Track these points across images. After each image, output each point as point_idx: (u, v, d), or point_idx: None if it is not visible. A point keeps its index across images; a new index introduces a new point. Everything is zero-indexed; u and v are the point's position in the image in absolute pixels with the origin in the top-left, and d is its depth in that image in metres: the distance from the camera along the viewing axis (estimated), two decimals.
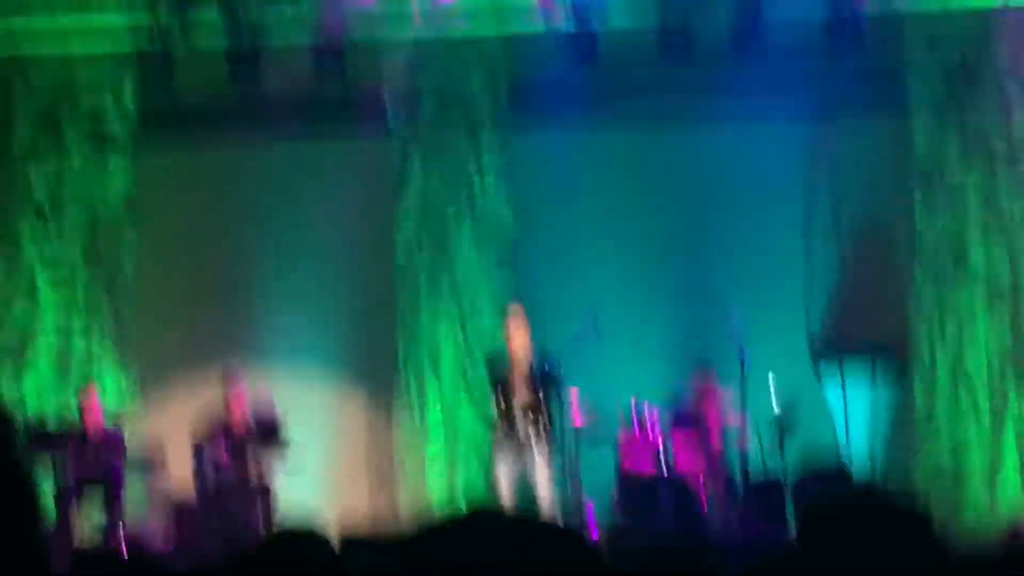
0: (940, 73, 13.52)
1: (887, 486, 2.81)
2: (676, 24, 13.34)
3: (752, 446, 12.58)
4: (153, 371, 14.33)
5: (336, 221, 14.38)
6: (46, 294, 14.38)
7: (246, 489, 12.68)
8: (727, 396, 12.77)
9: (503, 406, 11.44)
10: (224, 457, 12.90)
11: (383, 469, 14.22)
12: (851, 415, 13.66)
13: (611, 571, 3.80)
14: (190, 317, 14.50)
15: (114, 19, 13.95)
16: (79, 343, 14.34)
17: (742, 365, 12.43)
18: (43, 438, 12.68)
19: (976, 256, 13.41)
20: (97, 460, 12.78)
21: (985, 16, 13.50)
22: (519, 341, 11.44)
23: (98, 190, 14.46)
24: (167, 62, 13.91)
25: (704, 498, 12.40)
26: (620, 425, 12.52)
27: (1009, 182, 13.43)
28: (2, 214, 14.50)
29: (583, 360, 12.09)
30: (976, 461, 13.21)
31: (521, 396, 11.33)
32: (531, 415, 11.29)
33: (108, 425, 13.34)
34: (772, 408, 12.75)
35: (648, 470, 12.38)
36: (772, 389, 12.80)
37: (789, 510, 12.34)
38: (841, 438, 13.58)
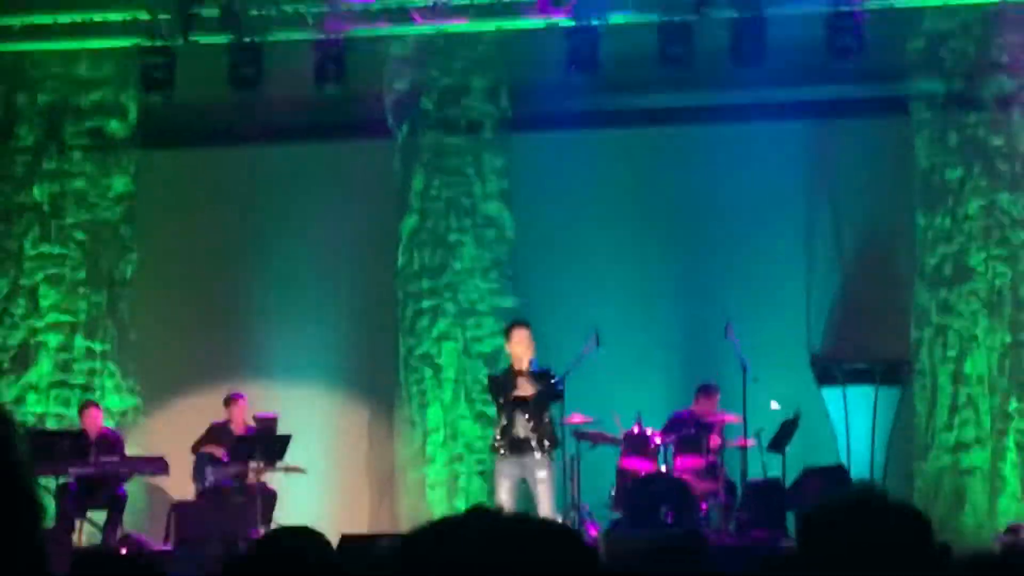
0: (940, 72, 13.51)
1: (886, 491, 2.81)
2: (676, 24, 13.33)
3: (751, 449, 12.58)
4: (153, 371, 14.32)
5: (337, 227, 14.36)
6: (47, 294, 14.37)
7: (247, 496, 12.66)
8: (727, 400, 12.77)
9: (504, 412, 11.43)
10: (226, 465, 12.90)
11: (383, 476, 14.20)
12: (851, 420, 13.65)
13: (609, 571, 3.80)
14: (189, 320, 14.48)
15: (115, 17, 13.94)
16: (80, 343, 14.33)
17: (743, 369, 12.44)
18: (44, 438, 12.68)
19: (974, 258, 13.39)
20: (97, 461, 12.78)
21: (985, 13, 13.49)
22: (520, 347, 11.43)
23: (97, 190, 14.45)
24: (168, 61, 13.91)
25: (702, 500, 12.40)
26: (620, 429, 12.52)
27: (1009, 182, 13.41)
28: (3, 214, 14.50)
29: (584, 364, 12.09)
30: (976, 470, 13.20)
31: (522, 408, 11.31)
32: (532, 421, 11.28)
33: (108, 426, 13.35)
34: (772, 413, 12.75)
35: (647, 472, 12.38)
36: (773, 394, 12.81)
37: (787, 512, 12.34)
38: (841, 443, 13.58)
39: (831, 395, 13.75)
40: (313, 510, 12.71)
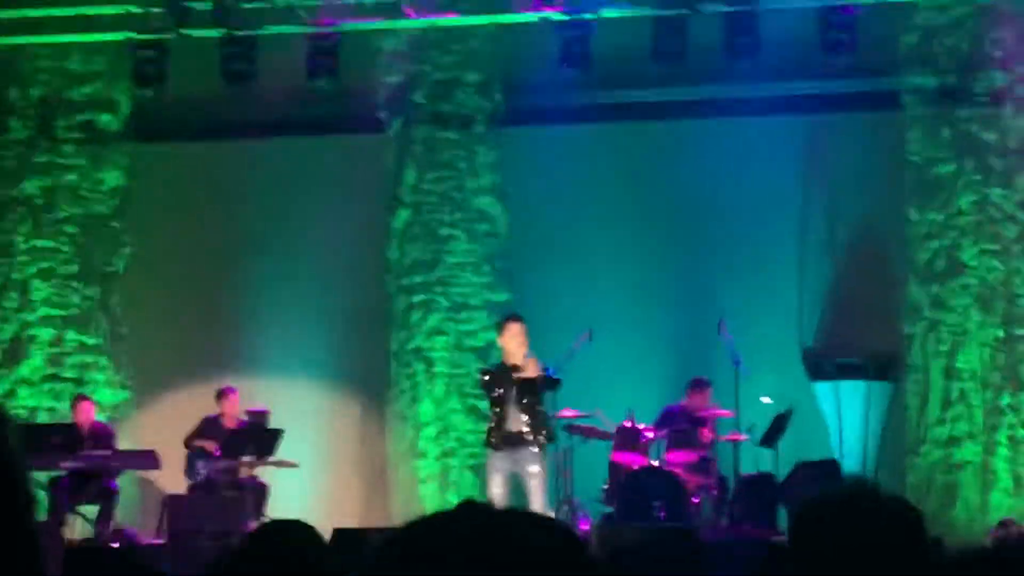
0: (933, 67, 13.51)
1: (876, 484, 2.81)
2: (670, 18, 13.33)
3: (744, 444, 12.59)
4: (145, 365, 14.31)
5: (329, 221, 14.36)
6: (39, 287, 14.36)
7: (238, 491, 12.66)
8: (719, 395, 12.78)
9: (496, 407, 11.44)
10: (217, 459, 12.89)
11: (375, 471, 14.20)
12: (843, 415, 13.66)
13: (602, 565, 3.79)
14: (181, 314, 14.48)
15: (107, 10, 13.92)
16: (72, 337, 14.33)
17: (736, 364, 12.45)
18: (35, 432, 12.67)
19: (967, 253, 13.40)
20: (89, 455, 12.77)
21: (977, 8, 13.50)
22: (513, 341, 11.43)
23: (89, 184, 14.44)
24: (160, 57, 13.90)
25: (695, 494, 12.40)
26: (613, 423, 12.52)
27: (1002, 176, 13.42)
28: None
29: (576, 359, 12.09)
30: (968, 464, 13.21)
31: (514, 397, 11.31)
32: (525, 415, 11.28)
33: (100, 420, 13.34)
34: (765, 407, 12.76)
35: (639, 466, 12.37)
36: (765, 389, 12.82)
37: (779, 507, 12.36)
38: (834, 438, 13.59)
39: (823, 390, 13.75)
40: (304, 504, 12.71)
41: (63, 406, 13.81)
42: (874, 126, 13.97)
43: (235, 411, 13.26)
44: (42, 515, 12.15)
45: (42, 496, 12.39)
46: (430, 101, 14.19)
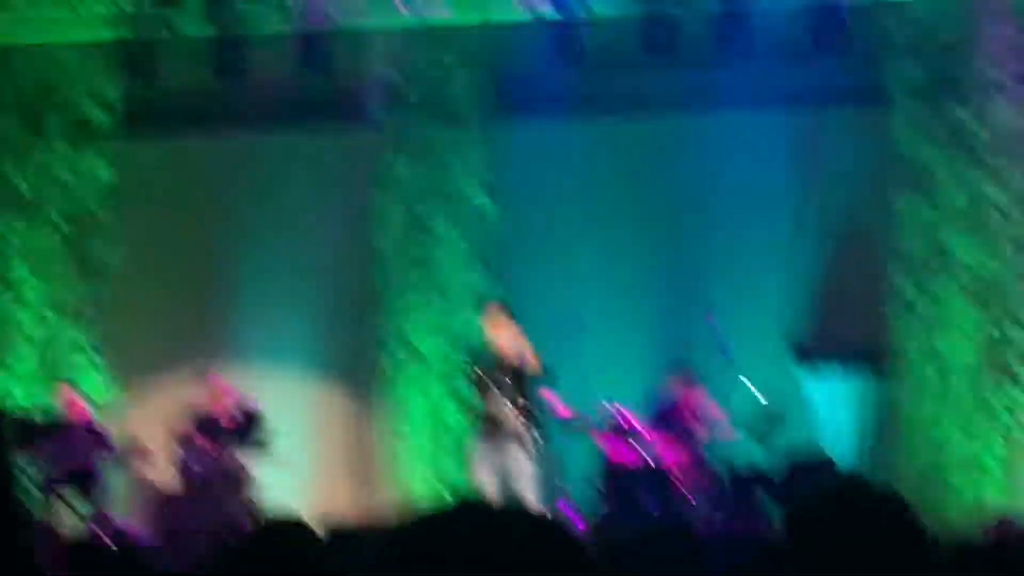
0: (922, 60, 13.53)
1: (870, 480, 2.83)
2: (660, 14, 13.34)
3: (735, 440, 12.59)
4: (135, 362, 14.31)
5: (319, 212, 14.38)
6: (28, 284, 14.34)
7: (228, 481, 12.67)
8: (710, 391, 12.78)
9: (485, 400, 11.44)
10: (206, 449, 12.89)
11: (364, 464, 14.21)
12: (833, 409, 13.68)
13: (596, 563, 3.80)
14: (172, 309, 14.48)
15: (97, 7, 13.90)
16: (61, 334, 14.31)
17: (725, 359, 12.45)
18: (27, 430, 12.65)
19: (957, 247, 13.42)
20: (80, 452, 12.76)
21: (967, 1, 13.52)
22: (502, 335, 11.44)
23: (80, 180, 14.43)
24: (150, 51, 13.88)
25: (687, 491, 12.41)
26: (603, 419, 12.52)
27: (991, 170, 13.44)
28: None
29: (567, 354, 12.10)
30: (958, 455, 13.23)
31: (504, 390, 11.32)
32: (514, 409, 11.29)
33: (91, 417, 13.32)
34: (755, 402, 12.76)
35: (631, 463, 12.38)
36: (755, 384, 12.83)
37: (773, 503, 12.36)
38: (823, 432, 13.60)
39: (813, 383, 13.77)
40: (292, 495, 12.72)
41: (53, 401, 13.80)
42: (863, 119, 13.97)
43: (225, 403, 13.22)
44: (33, 512, 12.14)
45: (33, 493, 12.39)
46: (421, 96, 14.18)
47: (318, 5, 13.72)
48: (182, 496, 12.66)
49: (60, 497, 12.67)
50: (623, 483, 12.18)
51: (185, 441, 12.99)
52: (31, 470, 12.37)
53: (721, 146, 13.97)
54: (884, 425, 13.63)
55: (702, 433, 12.70)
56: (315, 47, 13.75)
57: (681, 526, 9.85)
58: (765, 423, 12.63)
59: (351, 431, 14.41)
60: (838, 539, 2.82)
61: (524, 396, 11.37)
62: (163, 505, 12.54)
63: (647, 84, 13.96)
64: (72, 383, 13.79)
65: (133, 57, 13.90)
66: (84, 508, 12.82)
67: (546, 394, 11.76)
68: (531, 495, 11.17)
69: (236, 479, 12.74)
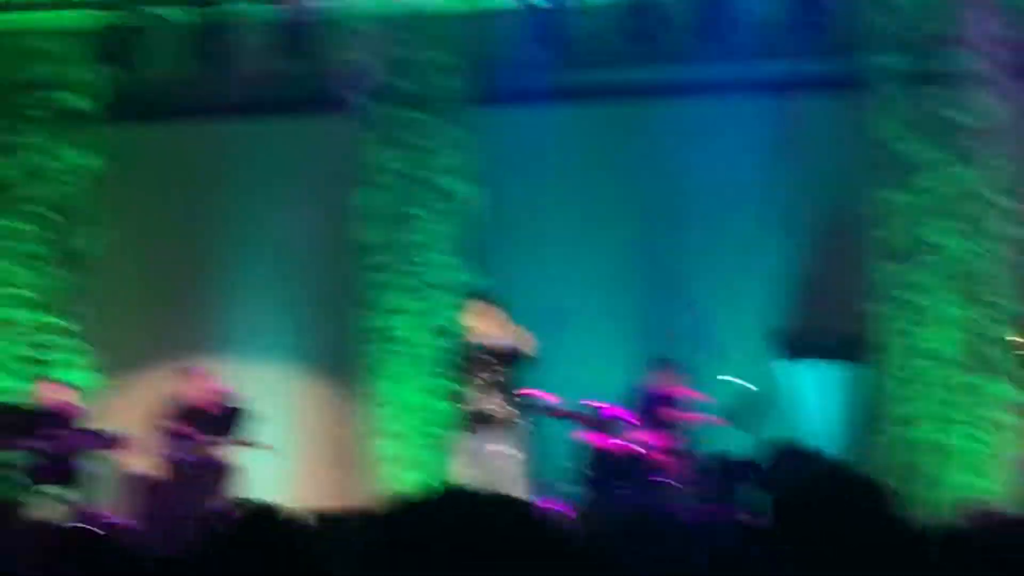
0: (901, 47, 13.55)
1: (853, 468, 2.85)
2: (642, 2, 13.34)
3: (718, 430, 12.62)
4: (118, 352, 14.29)
5: (299, 202, 14.37)
6: (9, 269, 14.31)
7: (209, 469, 12.66)
8: (692, 380, 12.81)
9: (469, 390, 11.45)
10: (190, 439, 12.88)
11: (348, 454, 14.21)
12: (811, 396, 13.71)
13: (579, 551, 3.82)
14: (154, 298, 14.47)
15: None
16: (43, 319, 14.28)
17: (707, 349, 12.48)
18: (9, 418, 12.64)
19: (938, 238, 13.45)
20: (62, 439, 12.73)
21: None
22: (487, 325, 11.44)
23: (62, 168, 14.40)
24: (132, 39, 13.84)
25: (666, 476, 12.44)
26: (587, 408, 12.54)
27: (969, 157, 13.47)
28: None
29: (550, 344, 12.10)
30: (939, 444, 13.27)
31: (488, 380, 11.33)
32: (498, 399, 11.31)
33: (75, 407, 13.29)
34: (737, 392, 12.79)
35: (615, 452, 12.41)
36: (737, 374, 12.86)
37: (753, 489, 12.39)
38: (802, 418, 13.63)
39: (791, 371, 13.80)
40: (276, 485, 12.71)
41: (32, 388, 13.78)
42: (842, 106, 13.98)
43: (206, 391, 13.22)
44: (15, 499, 12.15)
45: (15, 480, 12.37)
46: (400, 82, 14.16)
47: None
48: (166, 485, 12.65)
49: (45, 488, 12.65)
50: (606, 472, 12.21)
51: (169, 431, 12.98)
52: (15, 461, 12.35)
53: (705, 135, 13.99)
54: (866, 415, 13.66)
55: (685, 423, 12.73)
56: (297, 34, 13.73)
57: (664, 514, 9.88)
58: (748, 413, 12.67)
59: (334, 421, 14.41)
60: (821, 526, 2.84)
61: (508, 386, 11.38)
62: (147, 494, 12.53)
63: (630, 73, 13.97)
64: (56, 373, 13.77)
65: (115, 45, 13.87)
66: (69, 499, 12.80)
67: (530, 384, 11.77)
68: (515, 484, 11.19)
69: (220, 469, 12.74)
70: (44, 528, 11.16)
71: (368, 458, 13.99)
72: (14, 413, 13.18)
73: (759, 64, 13.82)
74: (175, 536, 10.42)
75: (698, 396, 12.68)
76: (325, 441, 14.38)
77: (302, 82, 14.02)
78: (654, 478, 12.11)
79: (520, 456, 11.41)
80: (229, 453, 12.99)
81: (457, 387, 11.90)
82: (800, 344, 13.82)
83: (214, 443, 12.84)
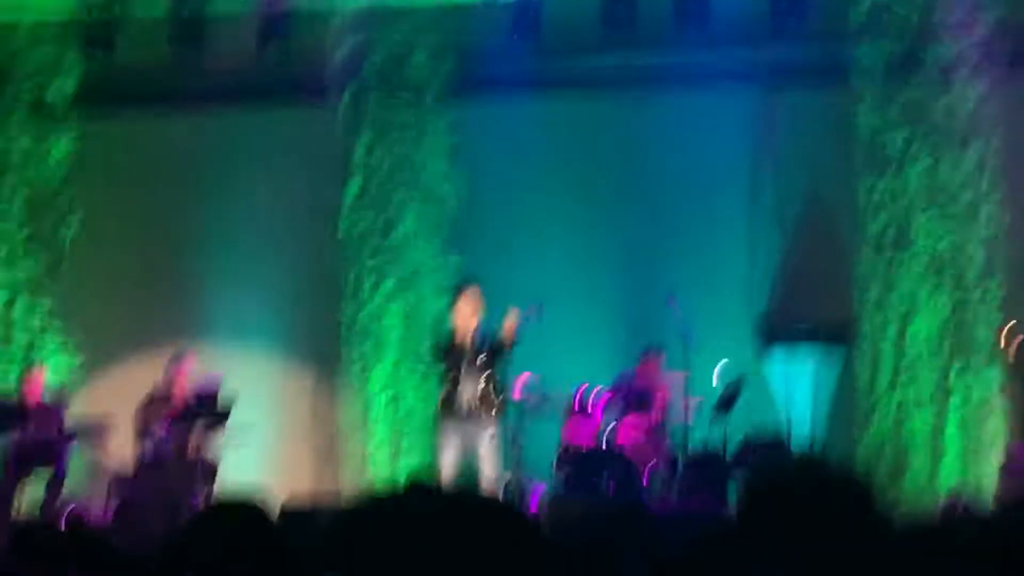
0: (883, 38, 13.54)
1: (828, 459, 2.83)
2: None
3: (695, 422, 12.60)
4: (96, 334, 14.26)
5: (280, 192, 14.35)
6: None
7: (188, 463, 12.63)
8: (671, 372, 12.79)
9: (449, 382, 11.42)
10: (167, 431, 12.84)
11: (327, 445, 14.19)
12: (794, 387, 13.70)
13: (551, 544, 3.79)
14: (133, 287, 14.44)
15: None
16: (23, 304, 14.26)
17: (687, 338, 12.45)
18: None
19: (919, 230, 13.45)
20: (39, 434, 12.69)
21: None
22: (466, 316, 11.42)
23: (40, 157, 14.37)
24: (109, 28, 13.81)
25: (646, 472, 12.42)
26: (565, 401, 12.51)
27: (952, 148, 13.47)
28: None
29: (529, 334, 12.08)
30: (919, 433, 13.29)
31: (467, 372, 11.31)
32: (477, 391, 11.28)
33: (50, 398, 13.25)
34: (715, 384, 12.77)
35: (591, 445, 12.39)
36: (716, 365, 12.84)
37: (729, 482, 12.39)
38: (784, 409, 13.63)
39: (774, 361, 13.79)
40: (255, 475, 12.70)
41: (13, 372, 13.77)
42: (824, 96, 13.96)
43: (186, 382, 13.16)
44: None
45: None
46: (381, 72, 14.14)
47: None
48: (145, 475, 12.61)
49: (16, 478, 12.60)
50: (582, 462, 12.19)
51: (149, 420, 12.93)
52: None
53: (686, 125, 13.97)
54: (843, 400, 13.66)
55: (663, 412, 12.72)
56: (275, 24, 13.69)
57: (635, 504, 9.86)
58: (727, 402, 12.65)
59: (315, 411, 14.39)
60: (795, 517, 2.81)
61: (491, 375, 11.36)
62: (125, 484, 12.48)
63: (608, 62, 13.95)
64: (31, 354, 13.75)
65: (92, 34, 13.84)
66: (40, 489, 12.76)
67: (513, 373, 11.76)
68: (493, 474, 11.18)
69: (199, 458, 12.70)
70: (16, 523, 11.12)
71: (350, 448, 13.98)
72: None
73: (740, 52, 13.81)
74: (146, 530, 10.39)
75: (677, 385, 12.65)
76: (306, 430, 14.36)
77: (280, 72, 13.99)
78: (628, 469, 12.09)
79: (498, 446, 11.39)
80: (209, 442, 12.95)
81: (440, 376, 11.87)
82: (784, 334, 13.81)
83: (194, 431, 12.79)
